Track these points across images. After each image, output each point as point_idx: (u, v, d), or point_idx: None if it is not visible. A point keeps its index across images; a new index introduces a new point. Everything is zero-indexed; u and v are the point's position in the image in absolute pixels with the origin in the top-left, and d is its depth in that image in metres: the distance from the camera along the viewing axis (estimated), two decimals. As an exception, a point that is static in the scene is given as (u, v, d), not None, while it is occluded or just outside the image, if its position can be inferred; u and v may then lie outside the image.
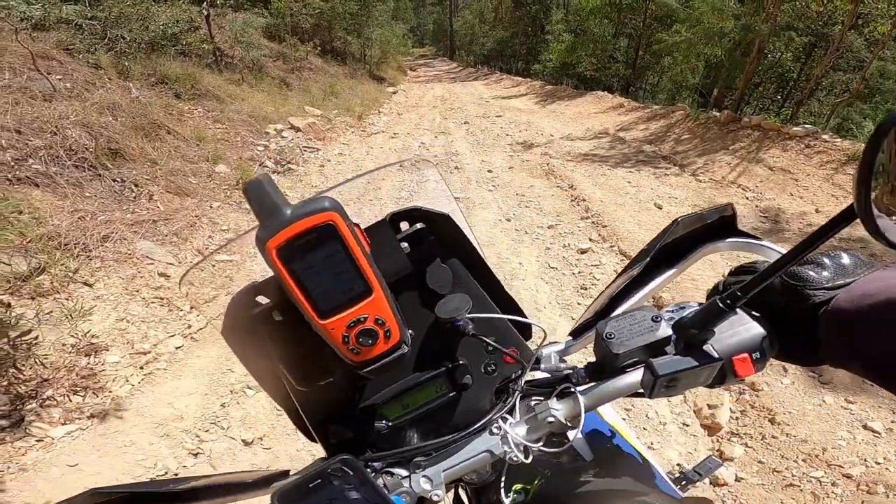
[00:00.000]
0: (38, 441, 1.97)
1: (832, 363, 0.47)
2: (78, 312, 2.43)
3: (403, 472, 0.55)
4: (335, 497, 0.46)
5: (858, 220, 0.36)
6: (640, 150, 7.09)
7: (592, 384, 0.55)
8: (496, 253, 3.84)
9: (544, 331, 0.64)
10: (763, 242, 0.61)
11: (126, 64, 5.65)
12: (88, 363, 2.29)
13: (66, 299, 2.48)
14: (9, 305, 2.26)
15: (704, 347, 0.49)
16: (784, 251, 0.51)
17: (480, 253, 0.64)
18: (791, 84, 12.93)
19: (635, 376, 0.52)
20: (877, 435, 2.06)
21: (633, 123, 8.67)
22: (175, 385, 2.39)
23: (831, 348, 0.46)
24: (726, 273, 0.58)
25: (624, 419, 1.97)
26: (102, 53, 5.50)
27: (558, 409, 0.54)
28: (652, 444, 2.08)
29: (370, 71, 15.53)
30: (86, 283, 2.71)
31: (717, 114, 7.39)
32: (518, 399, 0.57)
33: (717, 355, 0.48)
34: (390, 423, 0.59)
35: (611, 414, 0.86)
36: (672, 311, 0.56)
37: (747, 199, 5.13)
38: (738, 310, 0.48)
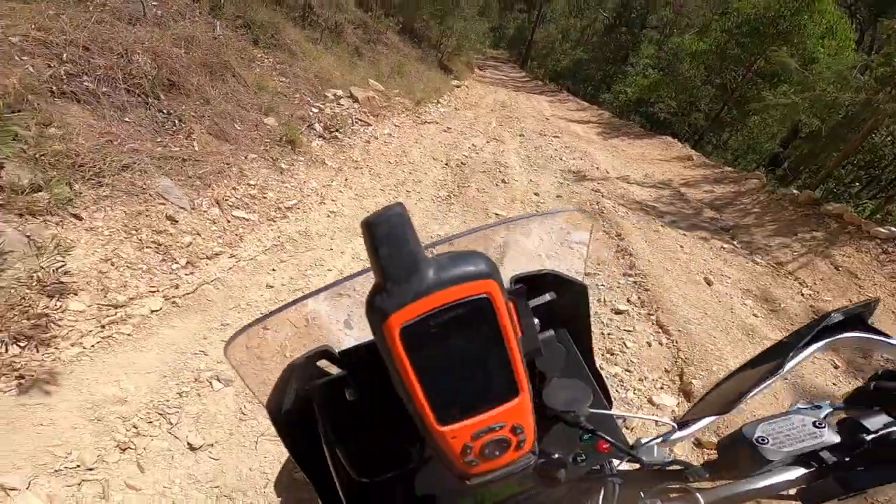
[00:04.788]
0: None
1: None
2: (55, 245, 2.14)
3: None
4: None
5: None
6: (700, 212, 6.63)
7: (716, 485, 0.50)
8: (526, 288, 3.54)
9: (674, 426, 0.56)
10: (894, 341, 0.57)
11: (221, 0, 5.56)
12: (48, 306, 1.98)
13: (57, 224, 2.26)
14: (-8, 218, 2.01)
15: None
16: None
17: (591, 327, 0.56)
18: (886, 173, 11.80)
19: (785, 476, 0.49)
20: None
21: (699, 181, 8.17)
22: (133, 358, 2.05)
23: None
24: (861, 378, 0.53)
25: None
26: (204, -15, 5.40)
27: None
28: None
29: (440, 60, 15.32)
30: (76, 216, 2.47)
31: (796, 192, 6.85)
32: (616, 494, 0.52)
33: None
34: None
35: None
36: (811, 409, 0.53)
37: (802, 294, 4.67)
38: None
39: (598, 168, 7.93)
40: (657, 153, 10.24)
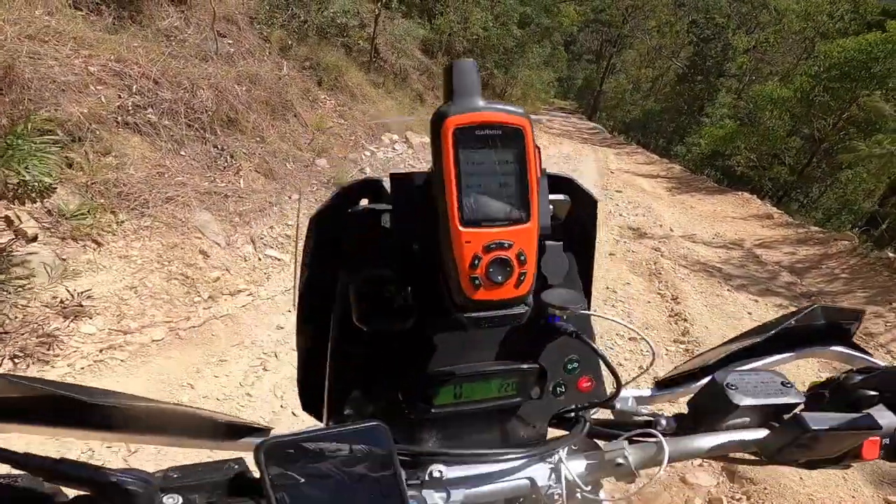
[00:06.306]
0: None
1: None
2: (84, 269, 2.26)
3: (415, 475, 0.46)
4: (347, 466, 0.37)
5: None
6: (775, 276, 5.89)
7: (683, 436, 0.53)
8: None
9: (654, 352, 0.58)
10: (878, 362, 0.59)
11: (290, 42, 6.00)
12: (59, 328, 2.05)
13: (94, 250, 2.39)
14: (34, 238, 2.16)
15: (870, 410, 0.49)
16: None
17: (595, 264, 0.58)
18: None
19: (747, 434, 0.53)
20: None
21: (778, 242, 7.35)
22: (117, 384, 2.02)
23: None
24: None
25: None
26: (276, 28, 5.90)
27: (632, 452, 0.51)
28: None
29: (505, 108, 15.52)
30: (101, 244, 2.55)
31: (893, 255, 5.92)
32: (583, 432, 0.53)
33: (882, 424, 0.48)
34: (433, 410, 0.51)
35: None
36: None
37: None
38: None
39: (661, 225, 7.42)
40: (731, 210, 9.46)
